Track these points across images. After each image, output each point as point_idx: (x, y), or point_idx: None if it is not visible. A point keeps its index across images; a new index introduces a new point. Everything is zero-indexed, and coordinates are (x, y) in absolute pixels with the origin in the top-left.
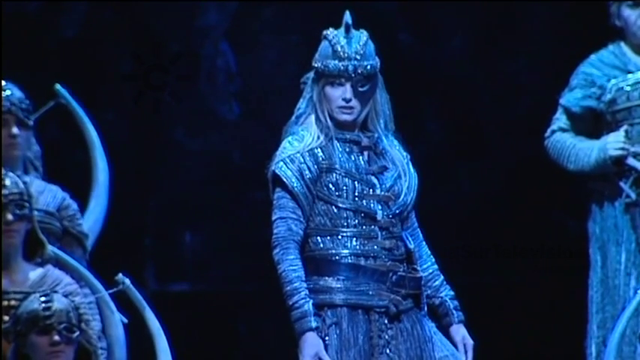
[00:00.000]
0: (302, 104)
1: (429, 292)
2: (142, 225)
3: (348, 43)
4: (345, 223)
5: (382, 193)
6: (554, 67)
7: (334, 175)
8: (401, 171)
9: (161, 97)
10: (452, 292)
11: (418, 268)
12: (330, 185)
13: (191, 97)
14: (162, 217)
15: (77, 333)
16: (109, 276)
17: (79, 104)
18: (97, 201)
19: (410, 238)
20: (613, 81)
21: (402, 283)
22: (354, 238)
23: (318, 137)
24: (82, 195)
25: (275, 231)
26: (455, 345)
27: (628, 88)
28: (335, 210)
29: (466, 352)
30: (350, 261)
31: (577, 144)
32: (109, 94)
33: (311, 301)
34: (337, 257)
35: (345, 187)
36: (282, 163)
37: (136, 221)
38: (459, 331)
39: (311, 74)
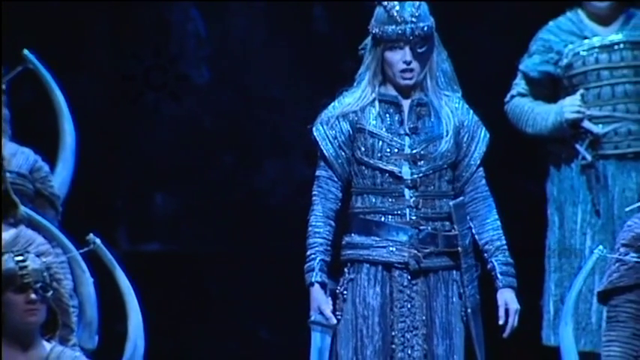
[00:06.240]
0: (362, 70)
1: (485, 256)
2: (114, 187)
3: (402, 8)
4: (372, 183)
5: (410, 152)
6: (515, 33)
7: (363, 136)
8: (445, 132)
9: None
10: (505, 258)
11: (455, 227)
12: (361, 146)
13: (163, 63)
14: (133, 179)
15: (51, 292)
16: (82, 236)
17: (52, 69)
18: (64, 164)
19: (467, 198)
20: (570, 46)
21: (430, 240)
22: (381, 197)
23: (359, 99)
24: (52, 158)
25: (313, 188)
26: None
27: (584, 53)
28: (365, 170)
29: (507, 317)
30: (374, 218)
31: (535, 108)
32: (82, 58)
33: (320, 257)
34: (363, 215)
35: (372, 147)
36: (319, 124)
37: (108, 183)
38: (502, 296)
39: (369, 40)
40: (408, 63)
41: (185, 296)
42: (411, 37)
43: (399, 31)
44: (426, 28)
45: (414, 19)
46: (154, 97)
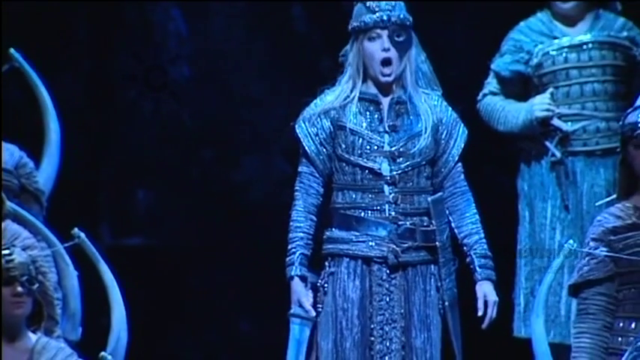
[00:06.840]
0: (344, 71)
1: (464, 249)
2: (97, 182)
3: (379, 1)
4: (353, 179)
5: (390, 149)
6: (488, 33)
7: (343, 133)
8: (423, 129)
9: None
10: (484, 251)
11: (433, 222)
12: (342, 143)
13: (144, 60)
14: (116, 174)
15: (37, 285)
16: (66, 230)
17: (36, 67)
18: (49, 160)
19: (441, 195)
20: (540, 46)
21: (408, 235)
22: (361, 192)
23: (340, 96)
24: (37, 154)
25: (295, 183)
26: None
27: (553, 53)
28: (345, 166)
29: (486, 308)
30: (354, 213)
31: (506, 106)
32: (66, 57)
33: (300, 251)
34: (343, 210)
35: (352, 145)
36: (301, 121)
37: (91, 178)
38: (481, 288)
39: (348, 47)
40: (387, 50)
41: (166, 289)
42: (388, 23)
43: (377, 18)
44: (402, 16)
45: (389, 7)
46: (138, 95)
